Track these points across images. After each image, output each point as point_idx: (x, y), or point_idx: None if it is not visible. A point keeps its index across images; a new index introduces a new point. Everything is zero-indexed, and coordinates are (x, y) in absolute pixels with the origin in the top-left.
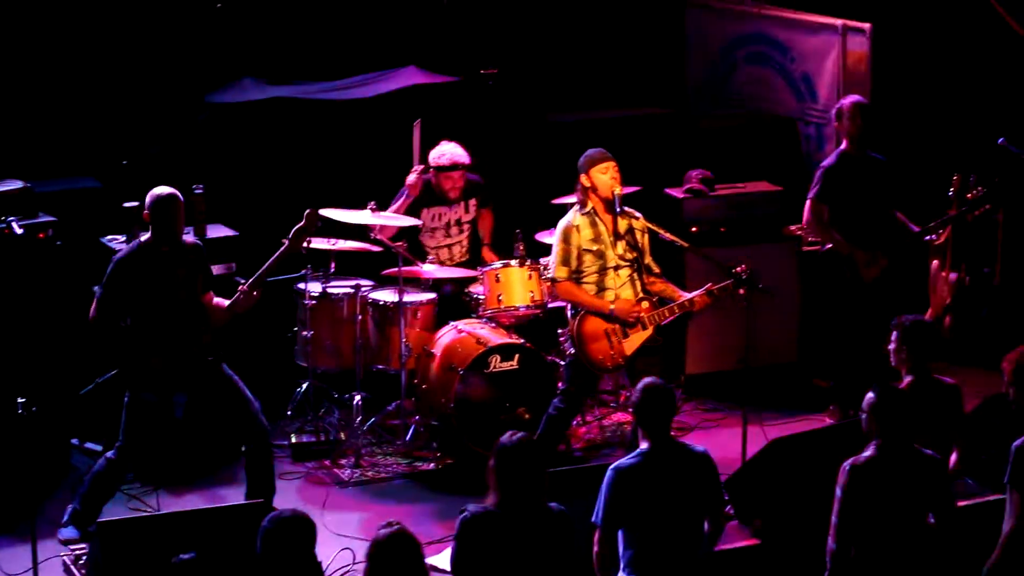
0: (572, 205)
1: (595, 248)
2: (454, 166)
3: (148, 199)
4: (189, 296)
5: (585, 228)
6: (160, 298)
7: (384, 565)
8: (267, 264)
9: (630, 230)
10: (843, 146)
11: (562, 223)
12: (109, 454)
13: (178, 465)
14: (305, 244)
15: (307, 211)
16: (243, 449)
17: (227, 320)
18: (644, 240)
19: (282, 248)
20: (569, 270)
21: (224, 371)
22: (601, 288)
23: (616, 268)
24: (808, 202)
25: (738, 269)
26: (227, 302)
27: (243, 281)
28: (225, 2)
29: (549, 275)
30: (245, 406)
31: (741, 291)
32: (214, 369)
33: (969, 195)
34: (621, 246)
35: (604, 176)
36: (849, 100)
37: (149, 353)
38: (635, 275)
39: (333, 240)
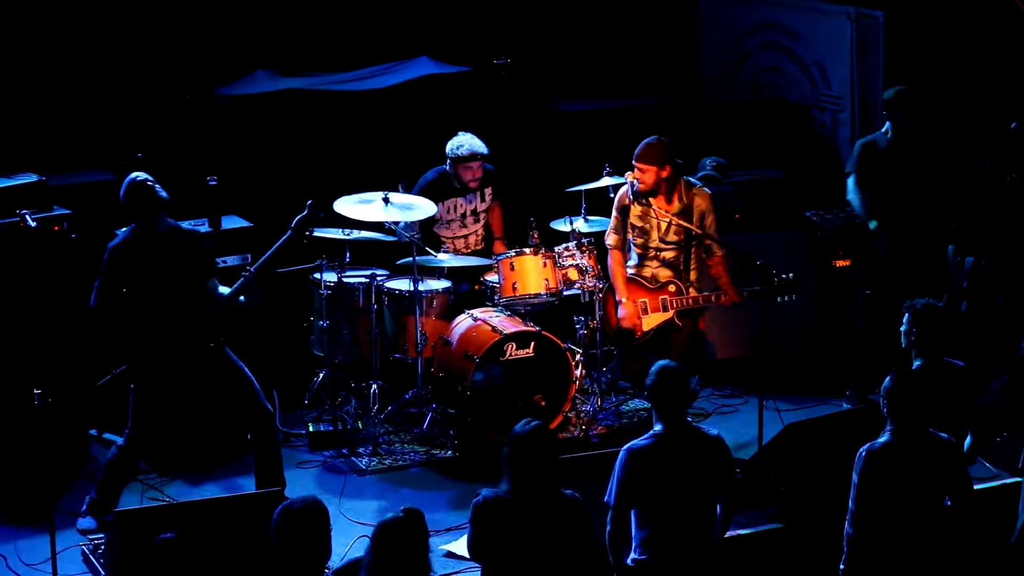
0: (586, 192)
1: (640, 225)
2: (473, 156)
3: (123, 187)
4: (186, 282)
5: (636, 206)
6: (156, 284)
7: (386, 549)
8: (270, 252)
9: (685, 210)
10: (886, 126)
11: (620, 192)
12: (119, 442)
13: (195, 454)
14: (308, 233)
15: (309, 201)
16: (248, 436)
17: (229, 307)
18: (708, 221)
19: (285, 237)
20: (618, 238)
21: (228, 356)
22: (641, 264)
23: (658, 251)
24: (848, 176)
25: (783, 276)
26: (230, 290)
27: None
28: None
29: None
30: (248, 391)
31: (782, 298)
32: (218, 354)
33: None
34: (664, 228)
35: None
36: (892, 90)
37: (151, 340)
38: (681, 257)
39: (348, 230)
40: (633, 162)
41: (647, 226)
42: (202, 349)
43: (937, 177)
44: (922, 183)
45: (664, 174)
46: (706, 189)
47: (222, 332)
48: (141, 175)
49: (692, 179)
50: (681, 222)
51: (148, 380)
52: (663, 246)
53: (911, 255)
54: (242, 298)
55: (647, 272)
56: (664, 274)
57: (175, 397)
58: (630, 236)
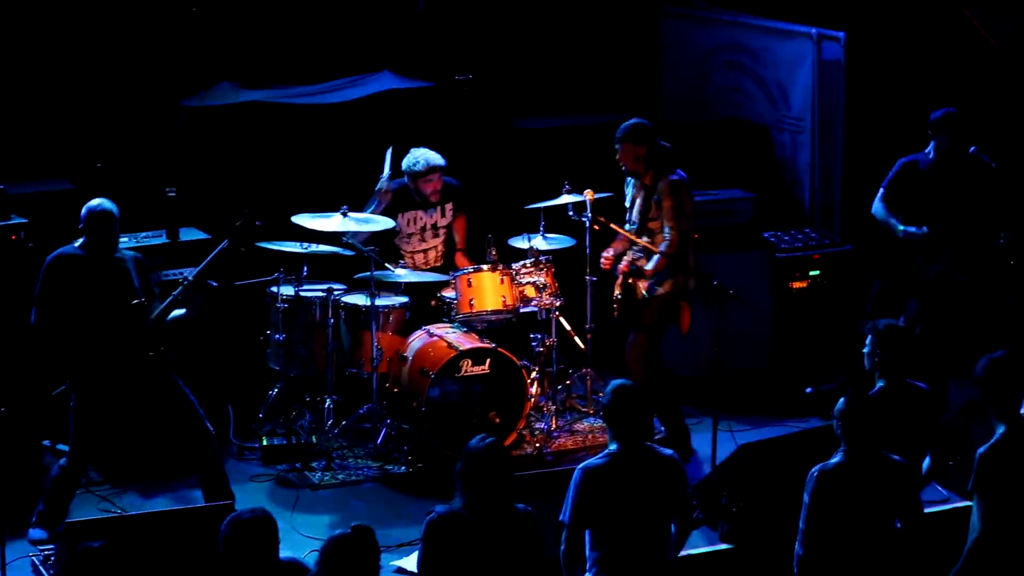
0: (545, 210)
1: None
2: (432, 169)
3: (83, 211)
4: (125, 301)
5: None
6: (94, 303)
7: (334, 566)
8: (204, 262)
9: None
10: (930, 148)
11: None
12: (61, 461)
13: (148, 466)
14: (244, 243)
15: (245, 210)
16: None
17: (164, 320)
18: (663, 205)
19: (220, 246)
20: None
21: (170, 375)
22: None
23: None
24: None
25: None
26: (165, 303)
27: (215, 284)
28: (201, 6)
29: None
30: (189, 412)
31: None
32: (157, 368)
33: None
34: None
35: None
36: (939, 112)
37: (90, 357)
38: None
39: (305, 244)
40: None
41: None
42: (140, 361)
43: (976, 201)
44: (961, 206)
45: (640, 152)
46: (673, 176)
47: (162, 344)
48: (102, 202)
49: (679, 172)
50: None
51: (87, 395)
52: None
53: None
54: (181, 312)
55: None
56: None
57: (115, 412)
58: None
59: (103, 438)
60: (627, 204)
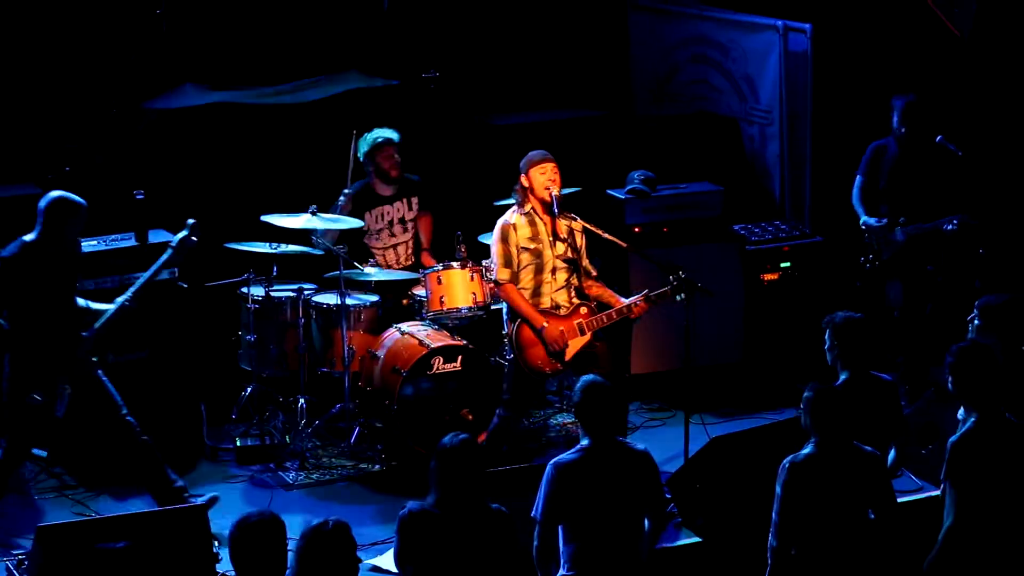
0: (510, 206)
1: (532, 247)
2: (387, 141)
3: (41, 202)
4: (67, 298)
5: (523, 227)
6: (41, 299)
7: (312, 558)
8: (150, 271)
9: (570, 232)
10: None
11: (499, 223)
12: None
13: (120, 470)
14: (185, 254)
15: (190, 221)
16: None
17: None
18: (582, 242)
19: (165, 256)
20: (511, 271)
21: (96, 373)
22: (537, 293)
23: (554, 271)
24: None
25: (677, 274)
26: (104, 305)
27: (185, 286)
28: (165, 8)
29: (492, 276)
30: (113, 408)
31: (680, 297)
32: (89, 370)
33: None
34: (560, 247)
35: (541, 177)
36: (900, 100)
37: (28, 352)
38: (572, 278)
39: (275, 244)
40: (540, 167)
41: (539, 246)
42: (78, 363)
43: (938, 187)
44: (921, 191)
45: None
46: None
47: (101, 348)
48: (61, 193)
49: None
50: (594, 228)
51: (24, 391)
52: (559, 265)
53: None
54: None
55: (545, 301)
56: (563, 299)
57: (50, 409)
58: (520, 266)
59: (34, 434)
60: (523, 250)
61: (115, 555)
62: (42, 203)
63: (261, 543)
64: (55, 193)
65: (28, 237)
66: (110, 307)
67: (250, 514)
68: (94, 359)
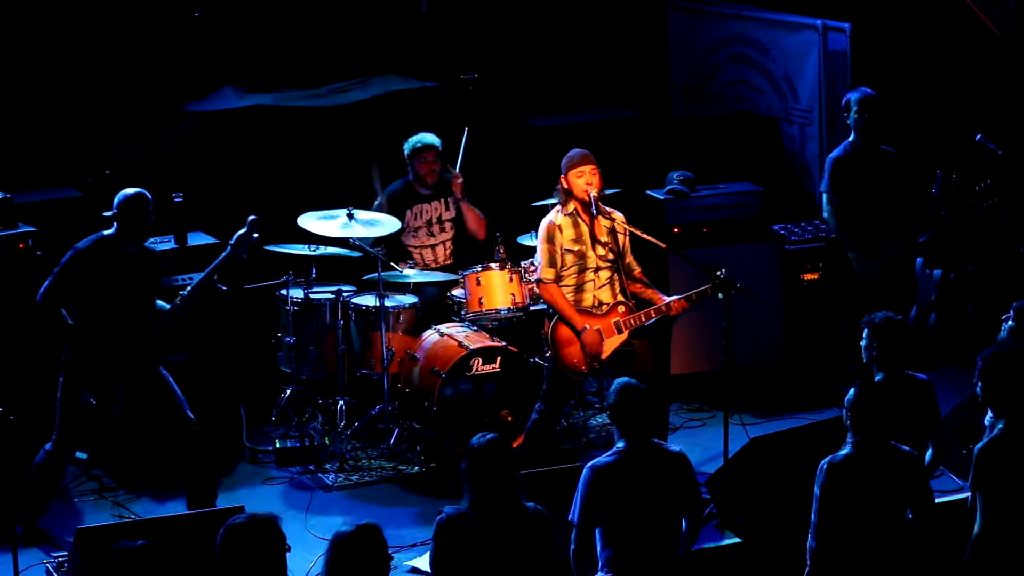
0: (553, 206)
1: (576, 248)
2: (426, 147)
3: (117, 198)
4: (140, 298)
5: (567, 228)
6: (111, 296)
7: (341, 562)
8: (208, 270)
9: (611, 231)
10: (851, 137)
11: (544, 223)
12: (47, 446)
13: (160, 472)
14: (246, 250)
15: (250, 217)
16: (172, 446)
17: (165, 324)
18: (624, 241)
19: (224, 254)
20: (555, 271)
21: (159, 371)
22: (580, 290)
23: (596, 270)
24: (822, 195)
25: (716, 273)
26: (168, 306)
27: (224, 288)
28: (204, 12)
29: (536, 276)
30: (171, 402)
31: (720, 295)
32: (150, 368)
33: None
34: (601, 248)
35: (579, 180)
36: (856, 93)
37: (91, 348)
38: (615, 277)
39: (313, 246)
40: (579, 169)
41: (583, 247)
42: (138, 362)
43: (900, 188)
44: (886, 194)
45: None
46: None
47: (157, 348)
48: (136, 189)
49: None
50: (632, 229)
51: (79, 386)
52: (602, 264)
53: (882, 269)
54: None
55: (587, 299)
56: (606, 296)
57: (107, 406)
58: (564, 267)
59: (89, 428)
60: (567, 251)
61: (138, 553)
62: (119, 199)
63: (251, 546)
64: (132, 189)
65: (107, 232)
66: (165, 307)
67: (238, 515)
68: (157, 357)
